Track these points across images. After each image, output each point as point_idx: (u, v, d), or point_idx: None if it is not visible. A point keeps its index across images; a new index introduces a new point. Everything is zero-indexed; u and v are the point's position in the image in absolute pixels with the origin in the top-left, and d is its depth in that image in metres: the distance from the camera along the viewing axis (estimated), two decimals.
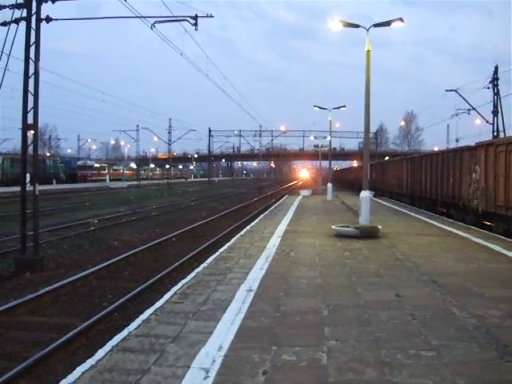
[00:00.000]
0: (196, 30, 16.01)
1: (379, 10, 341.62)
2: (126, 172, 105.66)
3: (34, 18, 13.58)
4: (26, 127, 13.76)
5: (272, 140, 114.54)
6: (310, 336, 6.16)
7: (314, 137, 79.36)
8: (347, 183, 73.31)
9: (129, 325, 6.81)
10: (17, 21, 13.52)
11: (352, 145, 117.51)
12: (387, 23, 17.74)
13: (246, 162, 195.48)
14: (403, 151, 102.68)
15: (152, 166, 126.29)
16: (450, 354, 5.52)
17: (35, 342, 7.89)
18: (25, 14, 13.55)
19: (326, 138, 55.11)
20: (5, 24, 13.59)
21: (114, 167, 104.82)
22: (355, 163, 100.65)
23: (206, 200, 45.14)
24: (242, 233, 16.93)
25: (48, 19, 14.00)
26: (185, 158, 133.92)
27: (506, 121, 43.21)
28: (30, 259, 13.48)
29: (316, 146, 63.93)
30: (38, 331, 8.52)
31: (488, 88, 43.07)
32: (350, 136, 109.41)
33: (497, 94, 42.79)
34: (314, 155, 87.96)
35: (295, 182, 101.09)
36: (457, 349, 5.68)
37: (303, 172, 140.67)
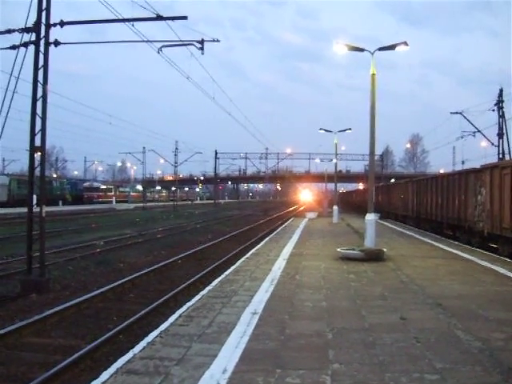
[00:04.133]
0: (202, 54, 16.21)
1: (386, 31, 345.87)
2: (132, 194, 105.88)
3: (42, 42, 13.77)
4: (33, 149, 13.89)
5: (278, 162, 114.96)
6: (314, 359, 6.17)
7: (320, 159, 79.65)
8: (353, 205, 73.25)
9: (134, 347, 6.84)
10: (26, 44, 13.71)
11: (358, 167, 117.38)
12: (392, 47, 17.86)
13: (251, 185, 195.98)
14: (409, 173, 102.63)
15: (158, 188, 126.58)
16: (454, 377, 5.53)
17: (40, 364, 7.89)
18: (34, 37, 13.74)
19: (331, 160, 55.19)
20: (14, 47, 13.78)
21: (121, 189, 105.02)
22: (361, 186, 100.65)
23: (211, 222, 45.14)
24: (247, 255, 16.94)
25: (56, 43, 14.18)
26: (191, 180, 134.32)
27: None
28: (35, 280, 13.51)
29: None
30: (44, 353, 8.53)
31: (493, 110, 43.25)
32: (355, 158, 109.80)
33: (502, 116, 42.92)
34: (320, 178, 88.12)
35: (297, 206, 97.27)
36: (461, 372, 5.68)
37: (305, 194, 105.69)
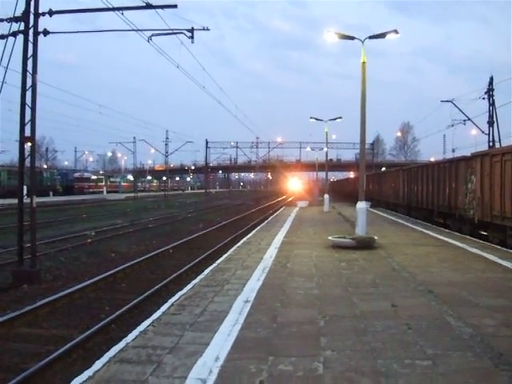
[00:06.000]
0: (192, 42, 16.14)
1: (377, 19, 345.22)
2: (123, 184, 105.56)
3: (31, 32, 13.66)
4: (23, 140, 13.81)
5: (269, 151, 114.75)
6: (306, 346, 6.19)
7: (311, 148, 79.47)
8: (344, 194, 73.37)
9: (126, 336, 6.83)
10: (14, 34, 13.60)
11: (349, 156, 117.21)
12: (382, 35, 17.83)
13: (242, 174, 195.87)
14: (400, 162, 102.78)
15: (149, 177, 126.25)
16: (445, 363, 5.56)
17: (33, 354, 7.89)
18: (22, 27, 13.63)
19: (322, 149, 55.17)
20: (2, 37, 13.67)
21: (111, 179, 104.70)
22: (352, 174, 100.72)
23: (202, 212, 45.14)
24: (238, 244, 16.94)
25: (45, 32, 14.06)
26: (182, 170, 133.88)
27: (502, 131, 43.41)
28: (27, 271, 13.49)
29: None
30: (36, 343, 8.53)
31: (483, 98, 43.27)
32: (346, 147, 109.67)
33: (492, 104, 42.95)
34: (311, 166, 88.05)
35: (287, 195, 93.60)
36: (452, 358, 5.72)
37: (294, 182, 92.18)
